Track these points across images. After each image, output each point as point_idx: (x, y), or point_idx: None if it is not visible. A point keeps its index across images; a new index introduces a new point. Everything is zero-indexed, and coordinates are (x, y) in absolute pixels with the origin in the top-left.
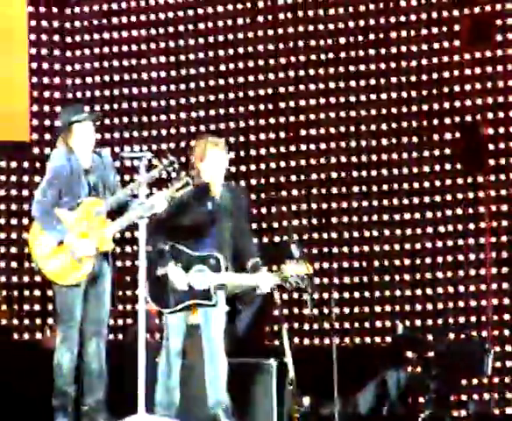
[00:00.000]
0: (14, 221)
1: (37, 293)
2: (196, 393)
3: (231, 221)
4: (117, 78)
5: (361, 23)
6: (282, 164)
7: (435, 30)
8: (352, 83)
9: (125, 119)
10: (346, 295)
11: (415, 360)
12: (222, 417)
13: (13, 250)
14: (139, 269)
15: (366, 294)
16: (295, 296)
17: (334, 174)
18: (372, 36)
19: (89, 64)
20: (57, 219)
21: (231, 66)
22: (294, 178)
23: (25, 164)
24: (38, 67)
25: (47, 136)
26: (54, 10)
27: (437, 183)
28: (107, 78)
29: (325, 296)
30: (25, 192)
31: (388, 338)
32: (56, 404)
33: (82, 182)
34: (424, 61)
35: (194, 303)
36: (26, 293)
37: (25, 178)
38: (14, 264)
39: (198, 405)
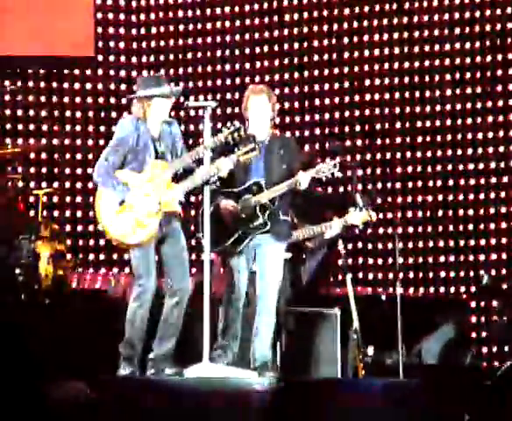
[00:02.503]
0: (79, 171)
1: (102, 242)
2: None
3: (280, 165)
4: (181, 27)
5: None
6: (347, 114)
7: None
8: (416, 34)
9: (190, 69)
10: (410, 245)
11: (500, 310)
12: (263, 372)
13: (78, 199)
14: (205, 232)
15: (431, 244)
16: (360, 245)
17: (398, 124)
18: None
19: (154, 14)
20: (118, 180)
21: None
22: (358, 128)
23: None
24: None
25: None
26: None
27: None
28: (171, 28)
29: (389, 245)
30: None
31: (452, 289)
32: (124, 353)
33: (150, 150)
34: (488, 12)
35: (244, 232)
36: (91, 242)
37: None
38: (79, 213)
39: None
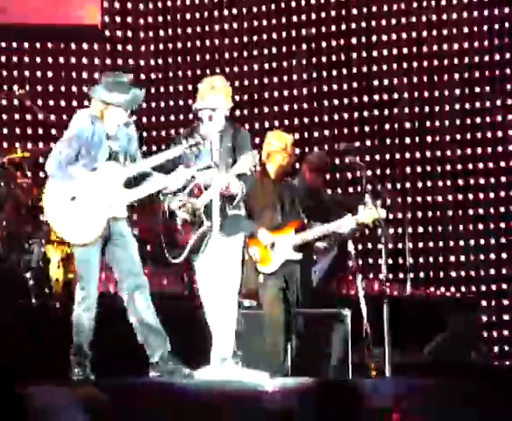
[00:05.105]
0: None
1: None
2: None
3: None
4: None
5: None
6: (356, 115)
7: None
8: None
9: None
10: (420, 244)
11: None
12: (231, 367)
13: None
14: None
15: (441, 244)
16: (369, 245)
17: (407, 125)
18: None
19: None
20: (70, 176)
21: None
22: (367, 129)
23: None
24: None
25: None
26: None
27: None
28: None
29: (399, 245)
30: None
31: (463, 288)
32: (74, 360)
33: (103, 147)
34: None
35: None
36: None
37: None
38: None
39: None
